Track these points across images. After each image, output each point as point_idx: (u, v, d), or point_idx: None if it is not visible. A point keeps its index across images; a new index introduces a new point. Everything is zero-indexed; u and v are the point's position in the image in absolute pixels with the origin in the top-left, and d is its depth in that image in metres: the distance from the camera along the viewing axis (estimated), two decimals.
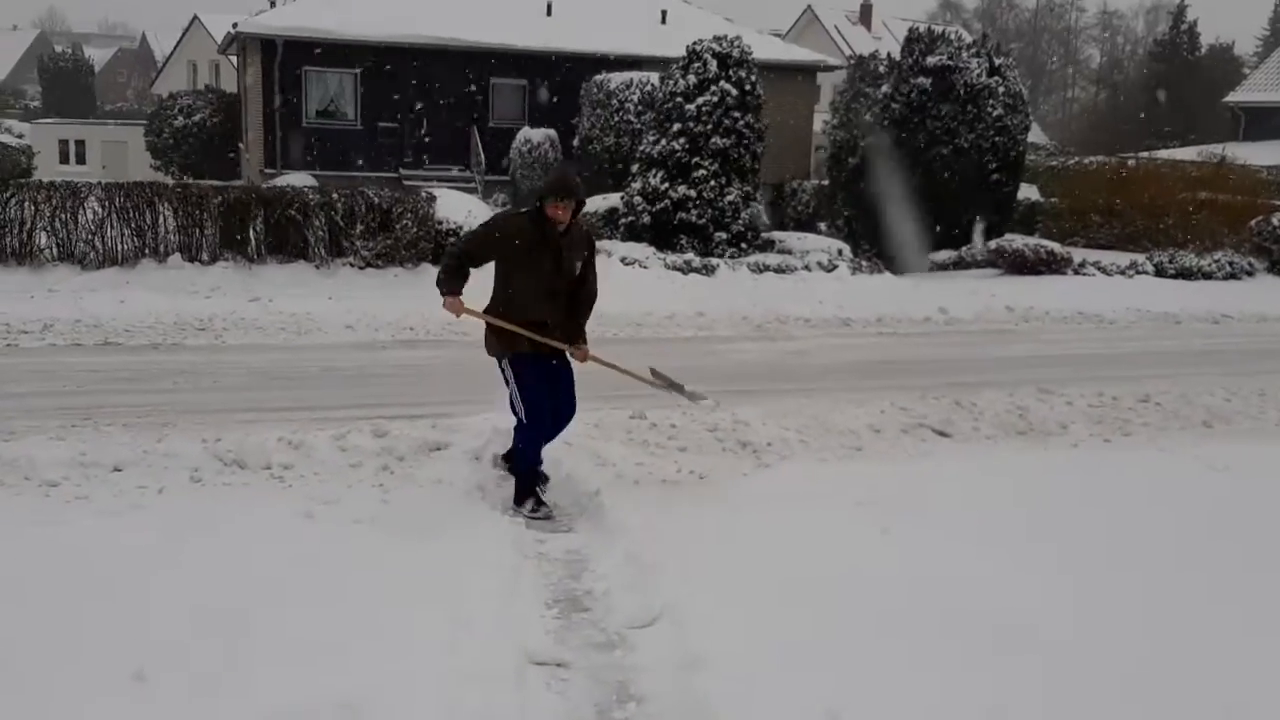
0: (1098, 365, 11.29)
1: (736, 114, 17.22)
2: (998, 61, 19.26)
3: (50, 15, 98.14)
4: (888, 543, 5.64)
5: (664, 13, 26.87)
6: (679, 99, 17.36)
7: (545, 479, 6.62)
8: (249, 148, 26.04)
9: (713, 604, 4.78)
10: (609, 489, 6.50)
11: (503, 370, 6.37)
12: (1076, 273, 17.84)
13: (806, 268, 16.33)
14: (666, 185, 17.30)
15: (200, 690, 3.93)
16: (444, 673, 4.13)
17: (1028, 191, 22.40)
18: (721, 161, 17.28)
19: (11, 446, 6.73)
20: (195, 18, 48.70)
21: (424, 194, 15.07)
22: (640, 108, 21.06)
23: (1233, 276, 18.57)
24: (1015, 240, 18.35)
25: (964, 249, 18.84)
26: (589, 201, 18.41)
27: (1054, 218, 22.94)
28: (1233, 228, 20.91)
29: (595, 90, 22.48)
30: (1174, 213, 21.89)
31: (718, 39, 17.64)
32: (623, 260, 15.14)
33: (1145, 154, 28.77)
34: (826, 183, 21.84)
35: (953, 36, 19.80)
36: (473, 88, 24.98)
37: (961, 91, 18.68)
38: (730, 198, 17.28)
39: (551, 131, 23.27)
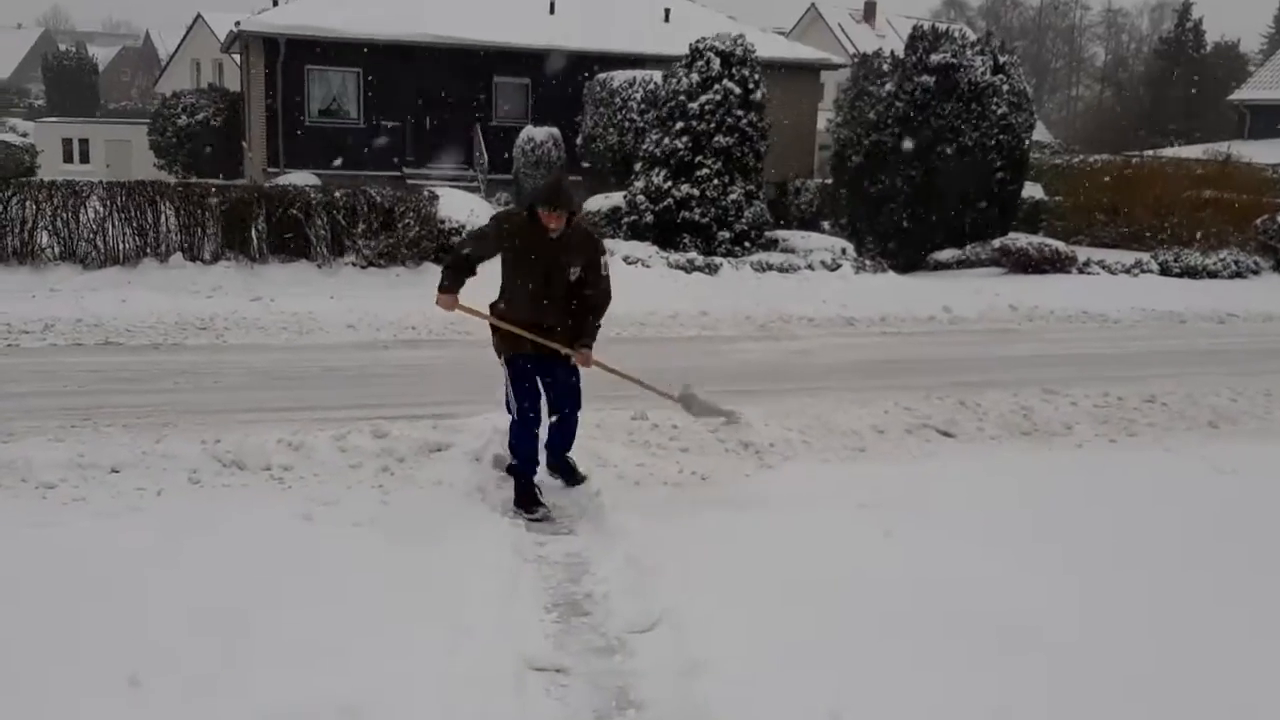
0: (1103, 365, 11.24)
1: (740, 112, 17.18)
2: (1002, 59, 19.19)
3: (54, 14, 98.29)
4: (891, 544, 5.59)
5: (667, 11, 26.82)
6: (682, 97, 17.32)
7: (578, 475, 6.66)
8: (252, 146, 26.03)
9: (714, 607, 4.74)
10: (610, 490, 6.46)
11: (503, 368, 6.35)
12: (1081, 271, 17.78)
13: (810, 267, 16.27)
14: (669, 184, 17.26)
15: (196, 693, 3.90)
16: (442, 678, 4.10)
17: (1032, 190, 22.34)
18: (725, 160, 17.24)
19: (9, 448, 6.70)
20: (199, 16, 48.72)
21: (426, 193, 15.04)
22: (643, 106, 21.01)
23: (1238, 275, 18.50)
24: (1019, 239, 18.30)
25: (968, 248, 18.78)
26: (592, 201, 18.58)
27: (1058, 216, 22.87)
28: (1238, 226, 20.84)
29: (598, 89, 22.45)
30: (1179, 211, 21.82)
31: (721, 37, 17.61)
32: (625, 259, 15.09)
33: (1150, 152, 28.65)
34: (830, 181, 21.78)
35: (957, 34, 19.74)
36: (476, 86, 24.94)
37: (965, 89, 18.62)
38: (733, 196, 17.24)
39: (555, 130, 23.23)
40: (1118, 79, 65.27)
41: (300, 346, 10.82)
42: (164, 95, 32.75)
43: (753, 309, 13.58)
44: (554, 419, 6.54)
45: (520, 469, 6.42)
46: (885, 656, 4.34)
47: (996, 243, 18.30)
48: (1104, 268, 18.05)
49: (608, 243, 15.42)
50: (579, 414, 6.59)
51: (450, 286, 6.30)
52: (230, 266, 13.67)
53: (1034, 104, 20.49)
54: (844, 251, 17.38)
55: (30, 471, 6.37)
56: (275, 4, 27.43)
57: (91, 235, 13.46)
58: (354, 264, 14.05)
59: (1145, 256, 18.84)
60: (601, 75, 22.63)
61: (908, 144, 18.64)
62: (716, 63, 17.19)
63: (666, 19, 26.53)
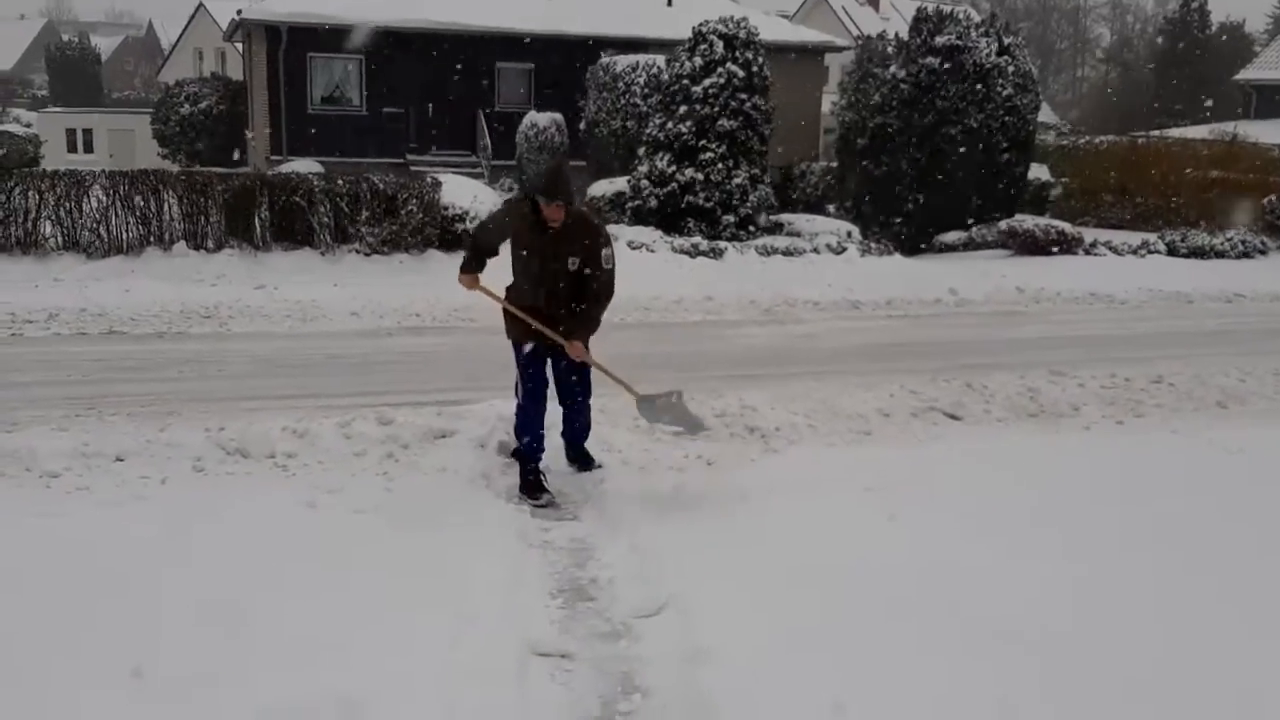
0: (1110, 346, 11.19)
1: (743, 96, 17.09)
2: (1007, 41, 19.08)
3: (57, 4, 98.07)
4: (896, 529, 5.57)
5: None
6: (685, 81, 17.23)
7: (594, 463, 6.68)
8: (255, 135, 25.98)
9: (719, 592, 4.72)
10: (615, 476, 6.45)
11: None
12: (1088, 253, 17.70)
13: (815, 250, 16.21)
14: (673, 168, 17.19)
15: (199, 685, 3.88)
16: (447, 664, 4.09)
17: (1038, 171, 22.22)
18: (729, 144, 17.16)
19: (14, 437, 6.70)
20: (200, 5, 48.57)
21: (430, 179, 14.99)
22: (646, 90, 20.91)
23: (1245, 255, 18.42)
24: (1026, 221, 18.22)
25: (974, 230, 18.70)
26: (595, 186, 18.53)
27: (1065, 197, 22.77)
28: (1245, 206, 20.73)
29: (601, 73, 22.35)
30: (1185, 192, 21.72)
31: (724, 20, 17.49)
32: (630, 244, 15.04)
33: (1156, 133, 28.54)
34: (835, 164, 21.70)
35: (961, 16, 19.60)
36: (478, 72, 24.86)
37: (970, 71, 18.52)
38: (738, 180, 17.17)
39: (558, 115, 23.15)
40: (1123, 60, 64.93)
41: (304, 334, 10.80)
42: (167, 84, 32.68)
43: (758, 293, 13.54)
44: (564, 408, 6.51)
45: (525, 454, 6.40)
46: (890, 642, 4.31)
47: (1003, 224, 18.22)
48: (1111, 249, 17.97)
49: (611, 228, 15.37)
50: (589, 401, 6.55)
51: (470, 267, 6.37)
52: (234, 255, 13.64)
53: (1039, 85, 20.37)
54: (849, 235, 17.30)
55: (34, 460, 6.37)
56: None
57: (95, 224, 13.43)
58: (357, 251, 14.02)
59: (1152, 237, 18.76)
60: (604, 60, 22.53)
61: (913, 126, 18.55)
62: (720, 46, 17.10)
63: (669, 3, 26.40)
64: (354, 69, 24.41)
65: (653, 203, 17.25)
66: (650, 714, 3.95)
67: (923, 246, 18.67)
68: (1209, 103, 40.50)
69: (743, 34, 17.25)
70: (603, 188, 18.55)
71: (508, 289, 6.36)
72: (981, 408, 8.44)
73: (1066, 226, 18.20)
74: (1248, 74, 39.33)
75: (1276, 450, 7.41)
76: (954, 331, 12.02)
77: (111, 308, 11.40)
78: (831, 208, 21.15)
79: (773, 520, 5.63)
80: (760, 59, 17.35)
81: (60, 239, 13.39)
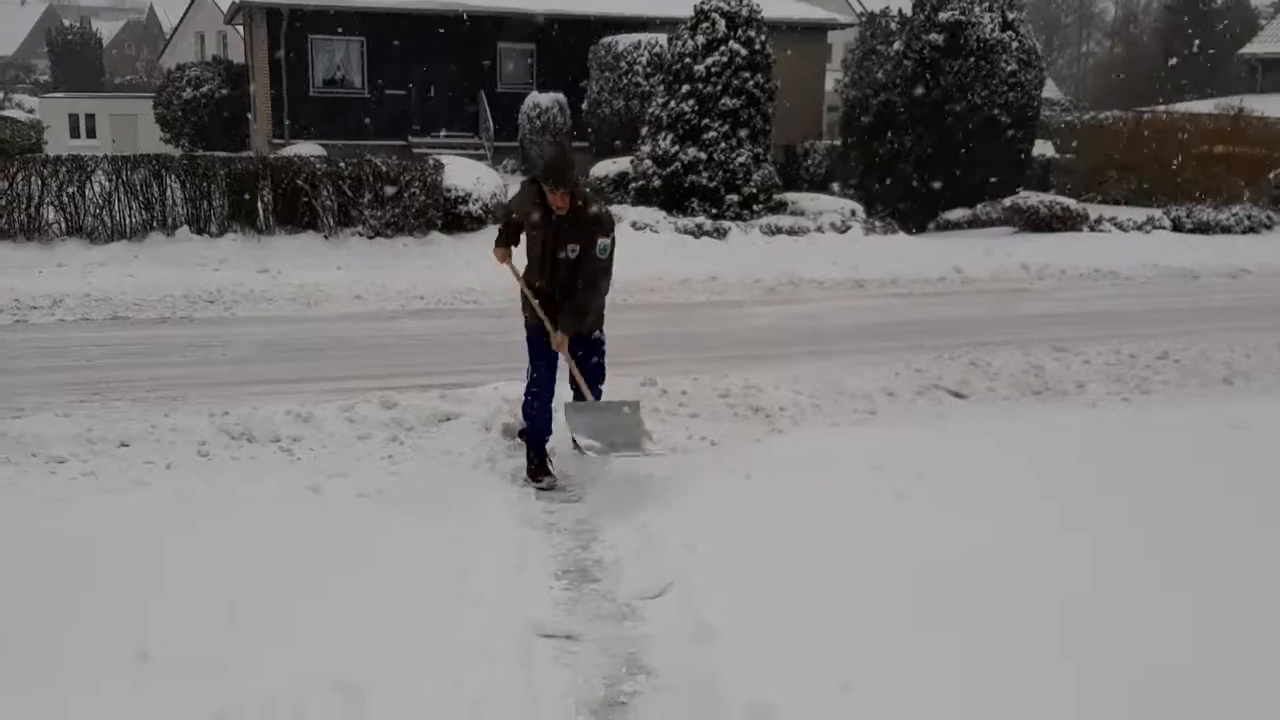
0: (1115, 323, 11.17)
1: (746, 74, 17.02)
2: (1010, 16, 18.99)
3: None
4: (903, 508, 5.55)
5: None
6: (688, 60, 17.17)
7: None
8: (257, 118, 25.92)
9: (724, 573, 4.72)
10: (619, 457, 6.43)
11: None
12: (1092, 229, 17.65)
13: (819, 229, 16.18)
14: (676, 148, 17.14)
15: (205, 667, 3.88)
16: (451, 646, 4.08)
17: (1042, 148, 22.17)
18: (732, 123, 17.11)
19: (19, 423, 6.71)
20: None
21: (432, 161, 14.96)
22: (649, 70, 20.85)
23: (1251, 230, 18.36)
24: (1030, 197, 18.17)
25: (978, 207, 18.64)
26: (598, 166, 18.48)
27: (1069, 174, 22.67)
28: (1251, 181, 20.63)
29: (603, 53, 22.27)
30: (1191, 167, 21.62)
31: None
32: (633, 225, 15.02)
33: (1161, 107, 28.38)
34: (839, 143, 21.62)
35: None
36: (480, 53, 24.76)
37: (974, 47, 18.44)
38: (741, 159, 17.12)
39: (560, 96, 23.08)
40: (1128, 34, 64.55)
41: (308, 318, 10.81)
42: (169, 69, 32.58)
43: (762, 272, 13.51)
44: (575, 392, 6.50)
45: (531, 435, 6.40)
46: (898, 620, 4.30)
47: (1007, 201, 18.17)
48: (1116, 225, 17.91)
49: (615, 209, 15.33)
50: (601, 387, 6.52)
51: (502, 240, 6.44)
52: (237, 239, 13.64)
53: (1043, 61, 20.27)
54: (853, 213, 17.26)
55: (40, 446, 6.39)
56: None
57: (98, 210, 13.44)
58: (361, 234, 14.01)
59: (1157, 213, 18.68)
60: (606, 39, 22.44)
61: (917, 103, 18.47)
62: (722, 24, 17.03)
63: None
64: (355, 51, 24.33)
65: (656, 183, 17.21)
66: (655, 694, 3.95)
67: (927, 224, 18.63)
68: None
69: (745, 11, 17.17)
70: (605, 168, 18.51)
71: (525, 269, 6.36)
72: (986, 385, 8.42)
73: (1071, 203, 18.14)
74: (1253, 48, 39.06)
75: None
76: (959, 309, 12.00)
77: (115, 293, 11.41)
78: (835, 186, 21.11)
79: (778, 500, 5.61)
80: (763, 37, 17.28)
81: (63, 224, 13.40)
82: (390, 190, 13.97)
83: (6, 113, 33.33)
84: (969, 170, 18.81)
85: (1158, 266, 15.18)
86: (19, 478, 6.01)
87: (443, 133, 24.39)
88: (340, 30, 23.95)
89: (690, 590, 4.59)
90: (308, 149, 19.79)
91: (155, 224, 13.63)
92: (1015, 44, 18.74)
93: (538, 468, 6.31)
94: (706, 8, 17.28)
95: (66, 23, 62.25)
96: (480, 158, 20.60)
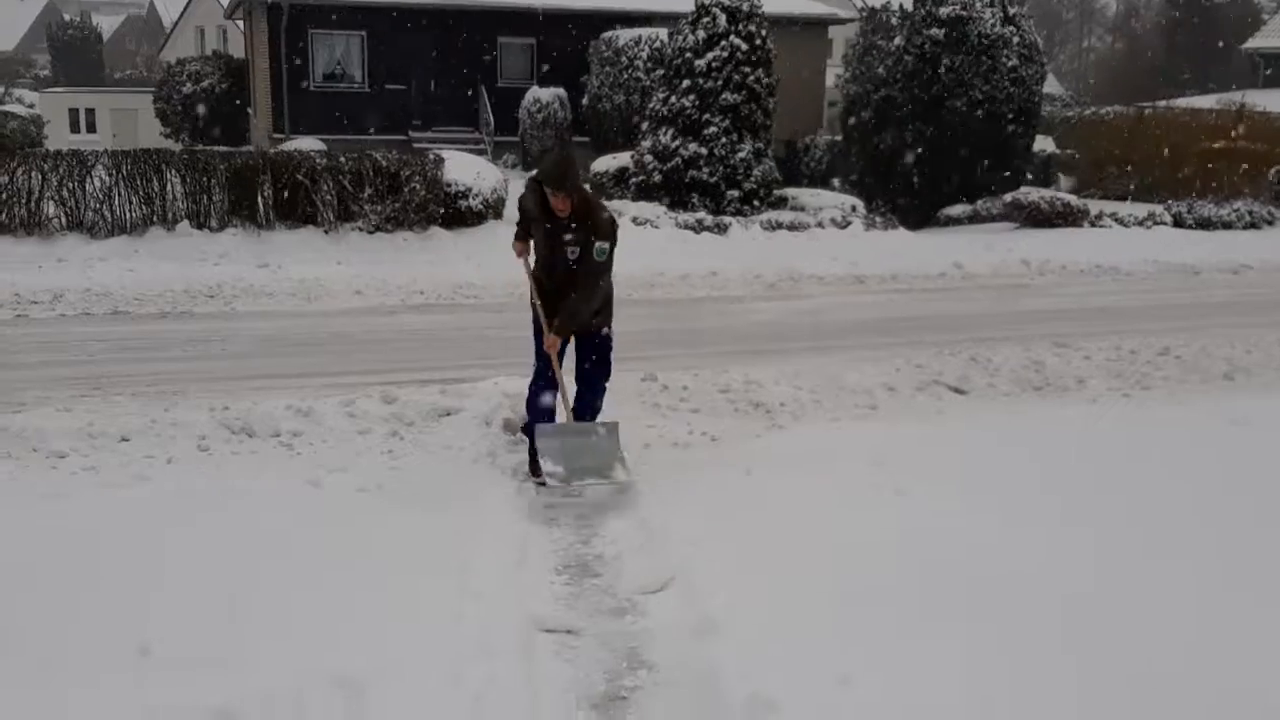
0: (1115, 319, 11.16)
1: (747, 69, 17.00)
2: (1012, 11, 18.95)
3: None
4: (903, 504, 5.55)
5: None
6: (688, 55, 17.14)
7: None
8: (257, 113, 25.90)
9: (725, 568, 4.72)
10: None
11: None
12: (1093, 225, 17.62)
13: (820, 224, 16.17)
14: (677, 143, 17.12)
15: (205, 662, 3.88)
16: (452, 641, 4.09)
17: (1043, 143, 22.12)
18: (732, 118, 17.09)
19: (20, 418, 6.72)
20: None
21: (432, 156, 14.93)
22: (649, 65, 20.83)
23: (1252, 226, 18.33)
24: (1031, 193, 18.13)
25: (979, 203, 18.63)
26: (599, 162, 18.46)
27: (1070, 169, 22.65)
28: (1252, 176, 20.61)
29: (604, 48, 22.25)
30: (1192, 162, 21.60)
31: None
32: (634, 220, 15.00)
33: (1163, 103, 28.34)
34: (839, 138, 21.60)
35: None
36: (480, 47, 24.74)
37: (975, 42, 18.41)
38: (742, 155, 17.10)
39: (560, 91, 23.06)
40: (1130, 29, 64.48)
41: (308, 313, 10.80)
42: (168, 63, 32.55)
43: (762, 268, 13.50)
44: (579, 385, 6.50)
45: (533, 430, 6.40)
46: (897, 614, 4.31)
47: (1008, 197, 18.14)
48: (1117, 221, 17.89)
49: (615, 204, 15.36)
50: (606, 384, 6.51)
51: (520, 235, 6.43)
52: (237, 234, 13.62)
53: (1045, 56, 20.25)
54: (854, 209, 17.23)
55: (41, 441, 6.39)
56: None
57: (98, 204, 13.41)
58: (361, 229, 13.98)
59: (1158, 209, 18.66)
60: (607, 34, 22.42)
61: (917, 99, 18.45)
62: (723, 19, 17.00)
63: None
64: (356, 45, 24.29)
65: (656, 178, 17.20)
66: (656, 689, 3.96)
67: (928, 220, 18.61)
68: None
69: (745, 6, 17.14)
70: (606, 163, 18.49)
71: (535, 264, 6.36)
72: (987, 381, 8.42)
73: (1072, 199, 18.12)
74: (1255, 43, 38.99)
75: None
76: (959, 305, 11.99)
77: (116, 288, 11.40)
78: (836, 181, 21.10)
79: (778, 495, 5.62)
80: (763, 31, 17.25)
81: (64, 219, 13.37)
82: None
83: (6, 107, 33.27)
84: (970, 166, 18.80)
85: (1159, 262, 15.16)
86: (20, 472, 6.01)
87: (443, 127, 24.35)
88: (340, 25, 23.92)
89: (691, 585, 4.60)
90: (308, 144, 19.77)
91: (155, 219, 13.60)
92: (1016, 39, 18.71)
93: (534, 462, 6.30)
94: (707, 2, 17.24)
95: (66, 17, 62.20)
96: (480, 153, 20.58)
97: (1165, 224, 18.01)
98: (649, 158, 17.34)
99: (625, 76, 21.37)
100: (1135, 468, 6.23)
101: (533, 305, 6.32)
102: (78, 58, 55.36)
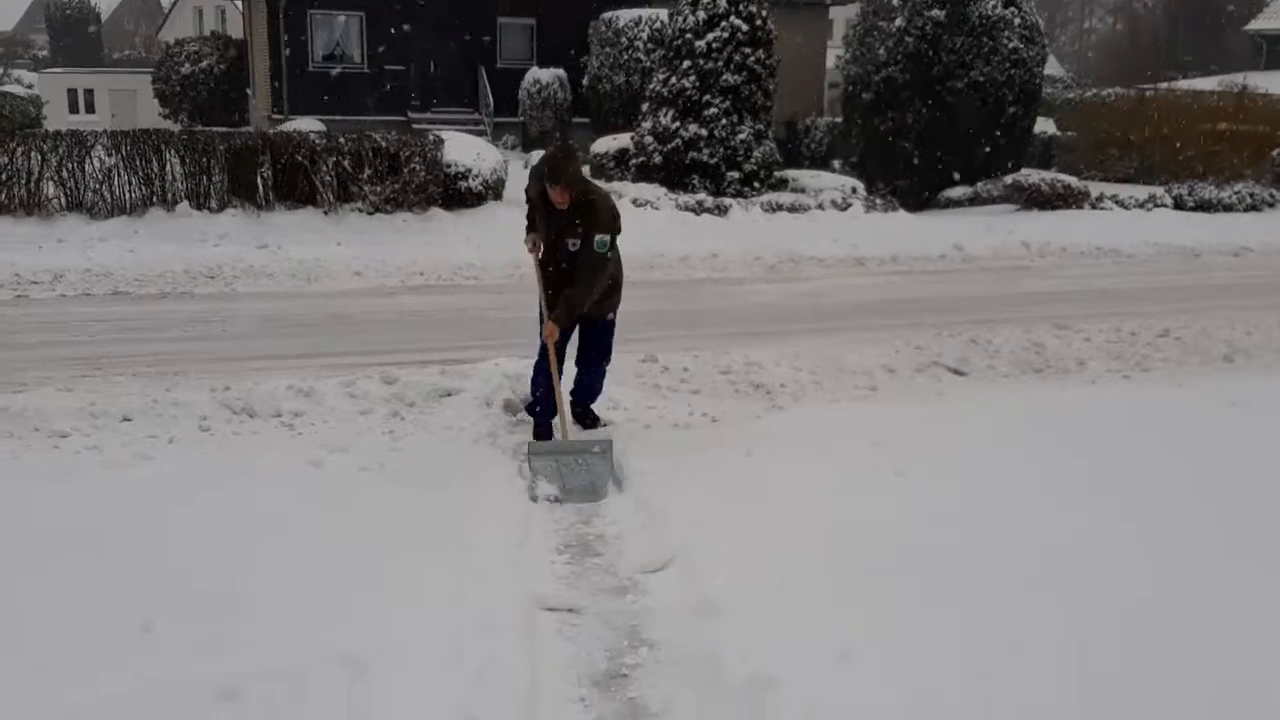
0: (1116, 300, 11.16)
1: (747, 50, 16.94)
2: None
3: None
4: (903, 484, 5.57)
5: None
6: (688, 35, 17.08)
7: (598, 422, 6.64)
8: (256, 93, 25.85)
9: (725, 547, 4.74)
10: (620, 433, 6.45)
11: None
12: (1094, 207, 17.60)
13: (820, 206, 16.15)
14: (677, 124, 17.08)
15: (206, 642, 3.90)
16: (453, 620, 4.11)
17: (1044, 125, 22.07)
18: (733, 99, 17.04)
19: (21, 398, 6.72)
20: None
21: (432, 137, 14.91)
22: (650, 45, 20.78)
23: (1253, 208, 18.31)
24: (1032, 175, 18.10)
25: (980, 184, 18.60)
26: (599, 143, 18.43)
27: (1071, 151, 22.61)
28: (1253, 158, 20.58)
29: (604, 28, 22.19)
30: (1193, 144, 21.55)
31: None
32: (634, 201, 14.98)
33: (1165, 85, 28.28)
34: (840, 120, 21.56)
35: None
36: (480, 28, 24.66)
37: (976, 23, 18.34)
38: (742, 136, 17.06)
39: (560, 72, 23.01)
40: (1131, 10, 64.27)
41: (308, 293, 10.80)
42: (167, 44, 32.47)
43: (762, 250, 13.49)
44: (579, 367, 6.51)
45: (534, 411, 6.42)
46: (895, 597, 4.32)
47: (1008, 179, 18.12)
48: (1117, 203, 17.87)
49: (615, 185, 15.35)
50: (606, 366, 6.54)
51: (529, 227, 6.43)
52: (237, 214, 13.61)
53: (1046, 37, 20.18)
54: (854, 190, 17.20)
55: (43, 420, 6.40)
56: None
57: (98, 185, 13.39)
58: (360, 210, 13.97)
59: (1159, 191, 18.64)
60: (607, 15, 22.35)
61: (918, 80, 18.39)
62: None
63: None
64: (355, 26, 24.23)
65: (656, 159, 17.16)
66: (657, 667, 3.98)
67: (928, 201, 18.59)
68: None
69: None
70: (606, 145, 18.45)
71: (543, 251, 6.37)
72: (986, 363, 8.43)
73: (1073, 181, 18.09)
74: (1258, 24, 38.88)
75: None
76: (959, 287, 11.99)
77: (116, 268, 11.40)
78: (836, 163, 21.06)
79: (779, 475, 5.64)
80: (764, 12, 17.19)
81: (63, 200, 13.36)
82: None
83: (5, 88, 33.20)
84: (970, 147, 18.76)
85: (1159, 244, 15.15)
86: (22, 452, 6.02)
87: (442, 108, 24.31)
88: (339, 5, 23.85)
89: (691, 564, 4.61)
90: (307, 124, 19.75)
91: (155, 199, 13.59)
92: (1018, 20, 18.65)
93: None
94: None
95: None
96: (480, 134, 20.53)
97: (1166, 206, 18.00)
98: (649, 139, 17.30)
99: (625, 57, 21.33)
100: (1135, 449, 6.24)
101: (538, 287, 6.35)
102: (76, 38, 55.21)
